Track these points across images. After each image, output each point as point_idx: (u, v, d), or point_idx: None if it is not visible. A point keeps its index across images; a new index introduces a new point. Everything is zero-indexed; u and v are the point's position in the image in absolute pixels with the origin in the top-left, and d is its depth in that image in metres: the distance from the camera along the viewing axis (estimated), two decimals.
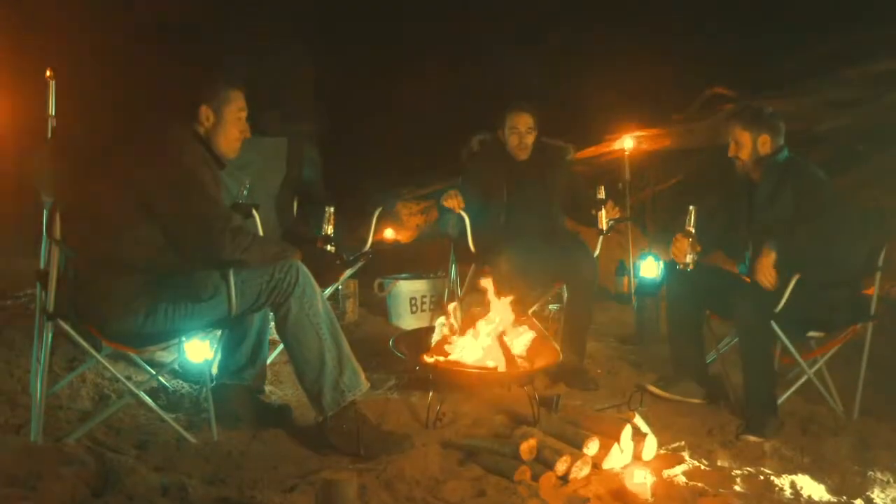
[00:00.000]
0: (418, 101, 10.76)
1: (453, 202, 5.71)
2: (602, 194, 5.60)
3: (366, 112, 10.79)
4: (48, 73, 5.30)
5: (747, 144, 5.04)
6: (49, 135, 5.11)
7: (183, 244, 3.99)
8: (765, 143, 5.01)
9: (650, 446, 4.28)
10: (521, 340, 4.87)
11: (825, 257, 4.80)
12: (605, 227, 5.63)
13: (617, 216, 5.77)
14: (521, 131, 5.85)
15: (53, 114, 5.19)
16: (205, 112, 4.11)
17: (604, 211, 5.58)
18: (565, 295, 5.70)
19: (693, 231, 4.94)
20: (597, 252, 5.86)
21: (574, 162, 6.16)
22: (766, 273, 4.80)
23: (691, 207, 4.97)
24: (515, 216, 5.89)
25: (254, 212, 5.21)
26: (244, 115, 4.23)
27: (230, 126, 4.17)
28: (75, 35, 8.59)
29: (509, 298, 4.92)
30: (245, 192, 5.02)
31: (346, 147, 10.48)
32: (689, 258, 4.91)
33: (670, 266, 5.19)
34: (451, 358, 4.75)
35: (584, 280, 5.60)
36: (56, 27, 8.30)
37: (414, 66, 11.02)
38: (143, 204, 3.92)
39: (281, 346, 4.63)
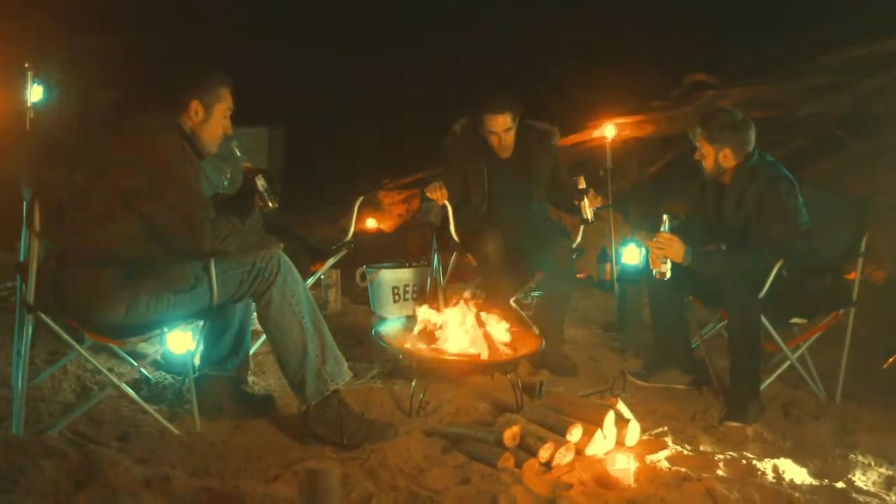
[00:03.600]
0: (401, 89, 10.78)
1: (437, 194, 5.66)
2: (583, 184, 5.54)
3: (349, 100, 10.78)
4: (26, 64, 5.28)
5: (709, 156, 5.03)
6: (27, 126, 5.09)
7: (163, 235, 3.98)
8: (726, 157, 4.98)
9: (633, 432, 4.29)
10: (504, 328, 4.87)
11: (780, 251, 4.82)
12: (589, 217, 5.58)
13: (599, 205, 5.74)
14: (500, 133, 5.70)
15: (31, 105, 5.17)
16: (195, 107, 4.09)
17: (586, 201, 5.54)
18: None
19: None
20: (578, 240, 5.86)
21: (558, 147, 6.08)
22: (668, 248, 4.87)
23: (665, 216, 4.97)
24: (497, 207, 5.86)
25: None
26: (230, 113, 4.22)
27: (216, 124, 4.17)
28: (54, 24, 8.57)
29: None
30: (226, 183, 5.00)
31: (328, 137, 10.47)
32: (664, 267, 4.92)
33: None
34: (434, 346, 4.75)
35: (559, 267, 5.58)
36: (34, 17, 8.25)
37: (396, 53, 11.03)
38: (123, 195, 3.91)
39: (264, 337, 4.62)
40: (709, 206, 5.24)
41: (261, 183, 4.28)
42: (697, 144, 5.07)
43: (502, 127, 5.68)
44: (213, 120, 4.14)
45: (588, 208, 5.54)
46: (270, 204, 4.33)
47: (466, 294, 4.97)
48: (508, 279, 5.58)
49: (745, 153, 4.98)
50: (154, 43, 9.29)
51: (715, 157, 5.00)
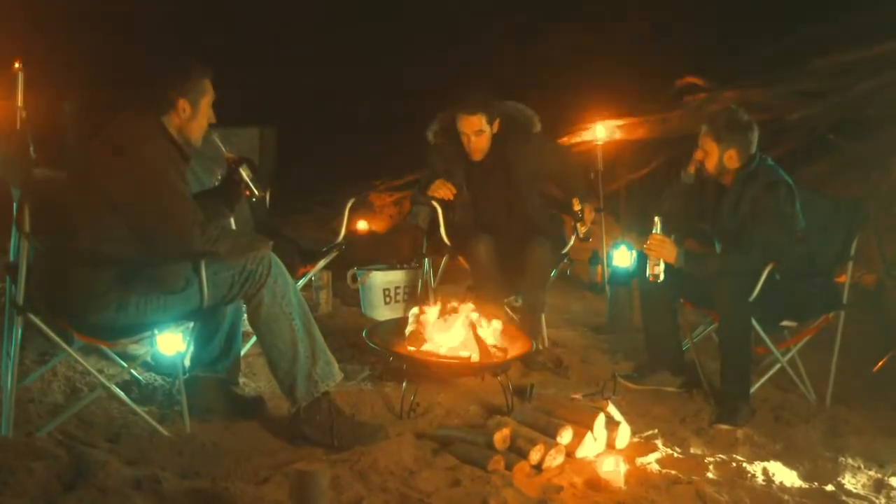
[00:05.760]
0: (393, 90, 10.77)
1: (443, 191, 5.62)
2: (578, 206, 5.49)
3: (341, 101, 10.77)
4: (16, 64, 5.26)
5: (713, 156, 5.00)
6: (18, 126, 5.08)
7: (153, 240, 3.97)
8: (731, 158, 4.96)
9: (623, 434, 4.30)
10: (494, 330, 4.87)
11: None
12: (583, 237, 5.56)
13: (594, 217, 5.71)
14: (470, 135, 5.56)
15: (22, 105, 5.16)
16: (182, 105, 4.06)
17: (580, 225, 5.50)
18: None
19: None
20: (570, 244, 5.86)
21: (542, 136, 5.89)
22: (661, 250, 4.87)
23: (657, 218, 4.96)
24: (481, 211, 5.82)
25: None
26: (212, 101, 4.20)
27: (203, 117, 4.14)
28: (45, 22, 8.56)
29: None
30: (217, 184, 4.99)
31: (319, 139, 10.46)
32: (658, 269, 4.92)
33: (643, 256, 5.17)
34: (424, 348, 4.75)
35: (537, 271, 5.56)
36: (25, 17, 8.23)
37: (388, 53, 11.03)
38: (110, 202, 3.89)
39: (254, 338, 4.61)
40: (707, 205, 5.23)
41: (246, 173, 4.28)
42: (701, 144, 5.05)
43: (472, 128, 5.53)
44: (200, 114, 4.12)
45: (583, 229, 5.51)
46: (257, 192, 4.33)
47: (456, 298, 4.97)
48: (499, 282, 5.54)
49: (748, 155, 4.97)
50: (138, 43, 9.29)
51: (719, 156, 4.98)
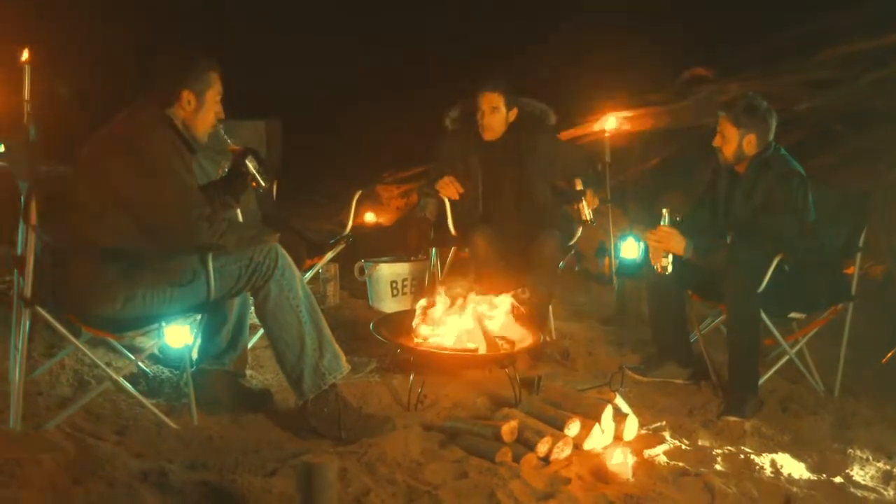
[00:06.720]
0: (398, 82, 10.77)
1: (450, 189, 5.66)
2: (580, 186, 5.50)
3: (347, 93, 10.78)
4: (24, 57, 5.26)
5: (733, 141, 4.98)
6: (25, 119, 5.08)
7: (159, 233, 3.96)
8: (750, 143, 4.96)
9: (631, 427, 4.29)
10: (502, 322, 4.86)
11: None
12: (588, 219, 5.54)
13: (597, 205, 5.71)
14: (484, 110, 5.67)
15: (29, 98, 5.16)
16: (187, 97, 4.06)
17: (584, 203, 5.50)
18: None
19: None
20: (577, 236, 5.84)
21: (558, 128, 6.02)
22: (666, 241, 4.86)
23: (664, 210, 4.95)
24: (490, 203, 5.84)
25: None
26: (220, 97, 4.19)
27: (209, 110, 4.13)
28: (52, 18, 8.57)
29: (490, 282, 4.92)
30: (223, 175, 4.99)
31: (326, 131, 10.47)
32: (665, 261, 4.91)
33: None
34: (431, 341, 4.74)
35: (545, 270, 5.56)
36: (32, 10, 8.24)
37: (390, 47, 11.03)
38: (116, 194, 3.89)
39: (262, 331, 4.61)
40: (720, 194, 5.22)
41: (252, 164, 4.29)
42: (720, 130, 5.02)
43: (490, 104, 5.66)
44: (205, 107, 4.11)
45: (586, 210, 5.49)
46: (264, 183, 4.33)
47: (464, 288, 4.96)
48: (501, 275, 5.51)
49: (766, 142, 4.97)
50: (144, 36, 9.31)
51: (739, 142, 4.96)
